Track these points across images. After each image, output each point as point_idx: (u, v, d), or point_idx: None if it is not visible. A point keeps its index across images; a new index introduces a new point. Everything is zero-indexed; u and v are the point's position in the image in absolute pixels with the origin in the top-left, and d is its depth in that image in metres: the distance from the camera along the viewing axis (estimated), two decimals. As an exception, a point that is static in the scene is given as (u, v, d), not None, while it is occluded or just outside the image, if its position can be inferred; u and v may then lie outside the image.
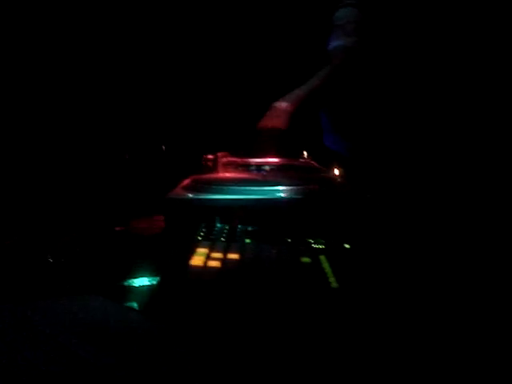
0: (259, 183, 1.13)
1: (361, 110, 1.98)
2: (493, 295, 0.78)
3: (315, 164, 1.55)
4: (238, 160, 1.51)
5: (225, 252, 0.82)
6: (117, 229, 1.18)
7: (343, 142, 2.05)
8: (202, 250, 0.82)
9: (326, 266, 0.77)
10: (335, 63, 1.79)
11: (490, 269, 0.89)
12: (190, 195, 1.06)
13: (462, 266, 0.89)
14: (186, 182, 1.20)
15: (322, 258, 0.80)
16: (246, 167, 1.45)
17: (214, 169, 1.41)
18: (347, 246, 0.88)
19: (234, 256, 0.80)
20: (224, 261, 0.79)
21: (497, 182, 1.64)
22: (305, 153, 1.71)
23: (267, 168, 1.43)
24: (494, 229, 1.17)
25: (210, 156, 1.46)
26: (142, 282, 0.83)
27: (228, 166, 1.44)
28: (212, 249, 0.83)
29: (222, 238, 0.91)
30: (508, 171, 1.70)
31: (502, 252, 0.98)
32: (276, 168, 1.45)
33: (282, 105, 1.65)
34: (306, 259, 0.79)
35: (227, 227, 0.97)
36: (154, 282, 0.81)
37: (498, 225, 1.20)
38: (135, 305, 0.74)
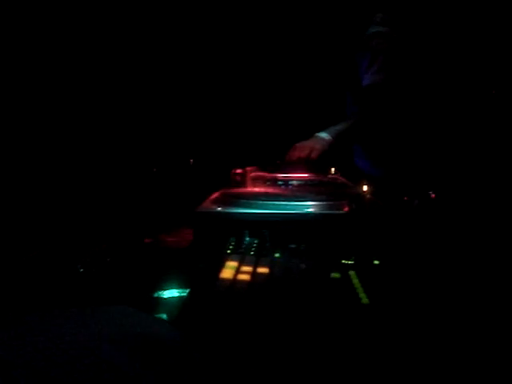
0: (288, 198, 1.13)
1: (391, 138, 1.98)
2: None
3: (343, 180, 1.55)
4: (267, 175, 1.52)
5: (254, 266, 0.82)
6: (146, 241, 1.19)
7: (374, 167, 2.06)
8: (232, 264, 0.82)
9: (355, 281, 0.77)
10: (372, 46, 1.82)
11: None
12: (220, 209, 1.07)
13: (492, 280, 0.88)
14: (215, 195, 1.21)
15: (352, 273, 0.80)
16: (275, 182, 1.46)
17: (242, 183, 1.42)
18: (376, 261, 0.88)
19: (263, 270, 0.80)
20: (254, 274, 0.79)
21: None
22: (333, 169, 1.70)
23: (296, 183, 1.43)
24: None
25: (239, 170, 1.46)
26: (171, 293, 0.83)
27: (256, 181, 1.44)
28: (242, 262, 0.83)
29: (251, 252, 0.91)
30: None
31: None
32: (304, 183, 1.45)
33: (324, 135, 1.68)
34: (335, 274, 0.79)
35: (256, 241, 0.97)
36: (184, 294, 0.81)
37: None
38: (165, 316, 0.74)
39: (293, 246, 0.96)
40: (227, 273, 0.79)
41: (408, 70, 1.87)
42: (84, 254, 1.02)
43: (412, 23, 1.99)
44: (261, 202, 1.08)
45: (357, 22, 1.93)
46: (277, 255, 0.90)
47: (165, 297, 0.83)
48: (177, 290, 0.84)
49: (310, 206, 1.08)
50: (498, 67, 1.74)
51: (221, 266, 0.82)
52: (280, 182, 1.44)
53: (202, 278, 0.79)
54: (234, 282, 0.76)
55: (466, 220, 1.30)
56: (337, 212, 1.05)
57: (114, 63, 2.15)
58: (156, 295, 0.83)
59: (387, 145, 2.00)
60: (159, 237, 1.23)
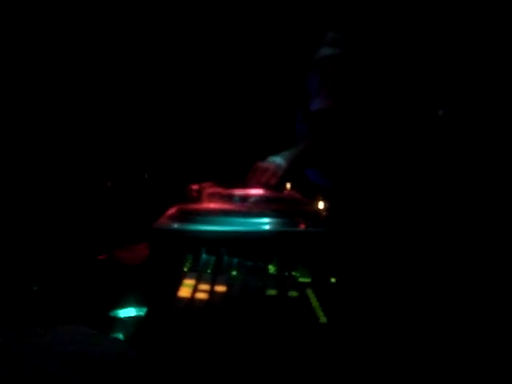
0: (245, 215, 1.13)
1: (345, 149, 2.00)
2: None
3: (299, 196, 1.56)
4: (223, 191, 1.52)
5: (212, 284, 0.82)
6: (100, 257, 1.17)
7: (325, 178, 2.08)
8: (189, 282, 0.82)
9: (313, 300, 0.77)
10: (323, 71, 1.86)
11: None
12: (176, 225, 1.06)
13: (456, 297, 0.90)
14: (172, 211, 1.20)
15: (309, 291, 0.80)
16: (231, 198, 1.46)
17: (198, 199, 1.41)
18: (333, 279, 0.89)
19: (221, 288, 0.80)
20: (211, 293, 0.79)
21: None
22: (288, 185, 1.72)
23: (252, 199, 1.43)
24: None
25: (195, 186, 1.46)
26: (128, 312, 0.82)
27: (213, 197, 1.44)
28: (199, 280, 0.83)
29: (209, 270, 0.91)
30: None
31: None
32: (261, 200, 1.45)
33: (279, 161, 1.71)
34: (293, 293, 0.79)
35: (213, 258, 0.97)
36: (141, 313, 0.80)
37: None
38: (121, 336, 0.73)
39: (250, 263, 0.96)
40: (185, 291, 0.78)
41: (359, 91, 1.90)
42: (38, 272, 1.00)
43: (365, 41, 2.03)
44: (218, 219, 1.08)
45: (307, 40, 1.96)
46: (234, 273, 0.90)
47: (121, 316, 0.82)
48: (133, 309, 0.83)
49: (267, 223, 1.08)
50: (451, 88, 1.78)
51: (178, 284, 0.81)
52: (236, 199, 1.44)
53: (159, 296, 0.78)
54: (191, 300, 0.76)
55: (422, 233, 1.33)
56: (294, 229, 1.06)
57: (70, 74, 2.11)
58: (112, 314, 0.82)
59: (339, 161, 2.03)
60: (114, 253, 1.21)
